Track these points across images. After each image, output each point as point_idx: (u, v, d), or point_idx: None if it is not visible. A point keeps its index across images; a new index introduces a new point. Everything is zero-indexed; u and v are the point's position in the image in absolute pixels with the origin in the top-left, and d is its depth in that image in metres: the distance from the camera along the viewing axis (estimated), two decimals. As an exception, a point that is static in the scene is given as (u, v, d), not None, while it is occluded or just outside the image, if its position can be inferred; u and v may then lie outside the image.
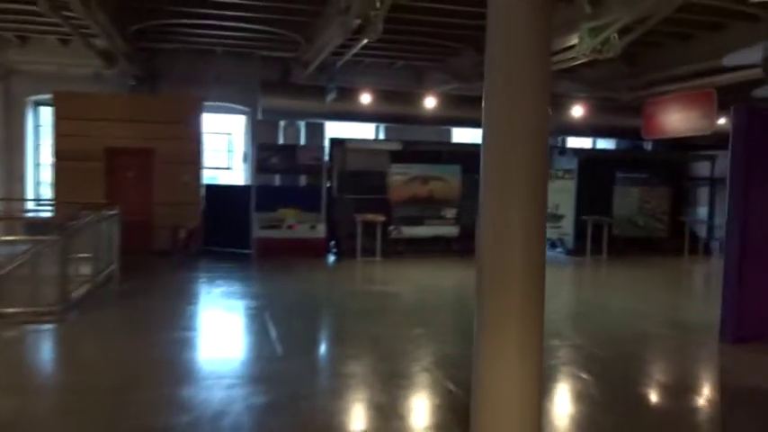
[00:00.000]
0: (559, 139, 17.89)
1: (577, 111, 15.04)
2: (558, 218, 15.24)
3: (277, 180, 15.10)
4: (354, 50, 11.20)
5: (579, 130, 16.24)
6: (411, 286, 10.77)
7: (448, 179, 14.37)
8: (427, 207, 14.21)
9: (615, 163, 15.89)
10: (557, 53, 11.43)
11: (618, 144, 18.15)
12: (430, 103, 14.16)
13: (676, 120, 12.97)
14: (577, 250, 15.05)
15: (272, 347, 6.69)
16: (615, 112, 15.54)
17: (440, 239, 14.34)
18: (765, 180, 7.04)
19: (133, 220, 11.71)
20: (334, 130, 16.08)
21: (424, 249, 14.06)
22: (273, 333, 7.20)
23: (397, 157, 14.19)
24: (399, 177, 14.14)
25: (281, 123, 15.57)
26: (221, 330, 7.66)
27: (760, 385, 5.93)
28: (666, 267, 14.19)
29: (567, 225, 15.28)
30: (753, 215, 7.02)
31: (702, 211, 16.92)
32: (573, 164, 15.34)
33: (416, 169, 14.22)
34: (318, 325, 8.37)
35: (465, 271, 13.00)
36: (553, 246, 15.92)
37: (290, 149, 14.36)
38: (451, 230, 14.32)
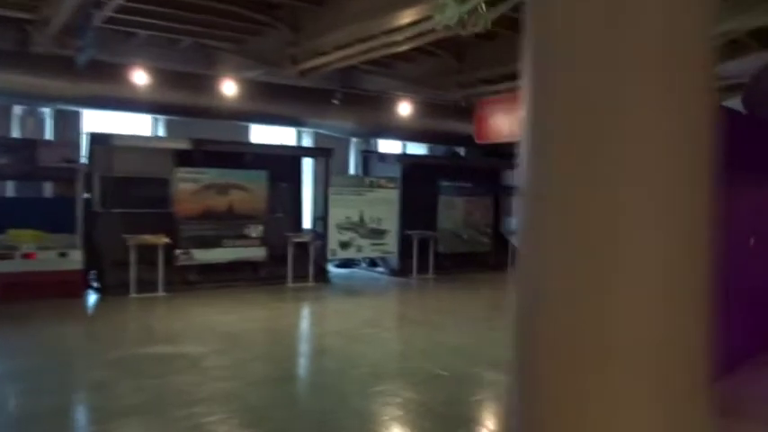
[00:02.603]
0: (372, 142, 16.01)
1: (404, 109, 12.98)
2: (380, 233, 13.14)
3: (9, 189, 10.95)
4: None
5: (401, 133, 14.24)
6: (214, 340, 7.64)
7: (252, 188, 11.46)
8: (226, 224, 11.14)
9: (439, 171, 14.29)
10: (395, 30, 9.24)
11: (432, 150, 16.62)
12: (229, 89, 11.01)
13: (513, 122, 11.48)
14: (402, 270, 13.22)
15: None
16: (442, 114, 13.79)
17: (243, 265, 11.34)
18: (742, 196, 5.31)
19: None
20: (96, 121, 12.17)
21: (223, 279, 11.02)
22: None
23: (184, 159, 11.01)
24: (188, 186, 10.89)
25: (17, 111, 11.35)
26: None
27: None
28: (501, 287, 12.78)
29: (391, 242, 13.26)
30: (726, 243, 5.24)
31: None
32: (396, 172, 13.46)
33: (211, 175, 11.11)
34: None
35: (282, 305, 10.19)
36: (373, 265, 13.93)
37: (28, 146, 10.32)
38: (258, 253, 11.41)
